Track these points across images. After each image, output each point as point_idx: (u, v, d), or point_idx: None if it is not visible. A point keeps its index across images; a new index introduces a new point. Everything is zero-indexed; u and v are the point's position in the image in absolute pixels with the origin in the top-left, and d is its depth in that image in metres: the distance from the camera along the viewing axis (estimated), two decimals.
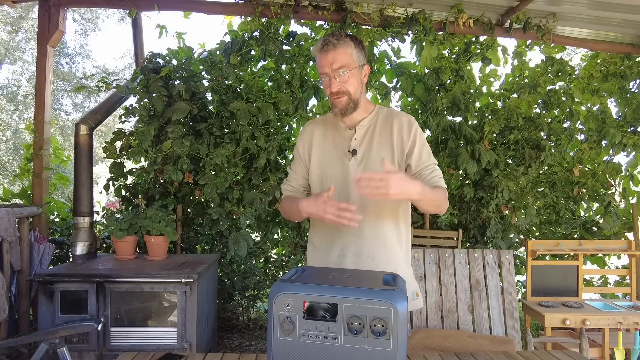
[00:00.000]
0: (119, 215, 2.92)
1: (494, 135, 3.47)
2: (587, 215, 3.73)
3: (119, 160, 3.17)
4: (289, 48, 3.24)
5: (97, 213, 3.13)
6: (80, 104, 11.97)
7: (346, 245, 1.44)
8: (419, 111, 3.45)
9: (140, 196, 3.25)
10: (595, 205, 3.69)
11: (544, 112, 3.51)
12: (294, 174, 1.59)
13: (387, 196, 1.16)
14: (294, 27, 4.24)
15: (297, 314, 0.95)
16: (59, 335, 1.78)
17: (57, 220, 3.49)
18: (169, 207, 3.10)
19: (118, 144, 3.19)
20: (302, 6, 3.18)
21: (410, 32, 3.19)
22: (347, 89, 1.40)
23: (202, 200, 3.35)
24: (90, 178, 2.92)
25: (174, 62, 3.29)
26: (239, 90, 3.19)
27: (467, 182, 3.47)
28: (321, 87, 3.31)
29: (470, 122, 3.44)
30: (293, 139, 3.47)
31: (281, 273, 3.71)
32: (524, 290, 3.59)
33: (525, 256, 3.07)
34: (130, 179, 3.29)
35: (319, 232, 1.52)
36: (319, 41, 1.41)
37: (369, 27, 3.20)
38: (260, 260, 3.81)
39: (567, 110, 3.46)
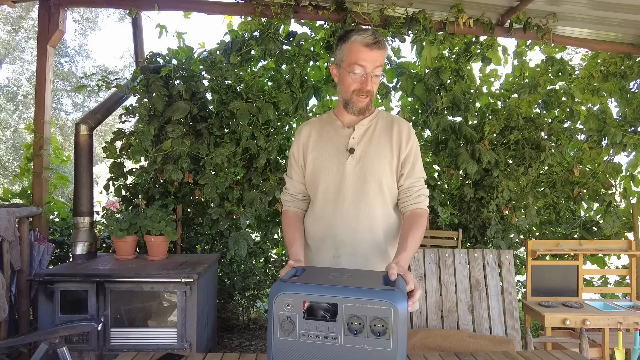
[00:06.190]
0: (119, 215, 2.92)
1: (494, 135, 3.47)
2: (587, 215, 3.73)
3: (119, 160, 3.17)
4: (289, 48, 3.24)
5: (97, 213, 3.12)
6: (80, 104, 11.97)
7: (341, 246, 1.42)
8: (419, 111, 3.45)
9: (140, 196, 3.25)
10: (596, 205, 3.69)
11: (544, 112, 3.51)
12: (290, 180, 1.57)
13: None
14: (294, 27, 4.23)
15: (297, 314, 0.95)
16: (59, 335, 1.78)
17: (57, 220, 3.49)
18: (169, 207, 3.10)
19: (118, 143, 3.19)
20: (302, 6, 3.17)
21: (410, 32, 3.19)
22: (373, 90, 1.41)
23: (202, 200, 3.35)
24: (90, 178, 2.92)
25: (174, 61, 3.29)
26: (239, 90, 3.19)
27: (467, 182, 3.47)
28: (322, 86, 3.31)
29: (470, 122, 3.44)
30: (293, 138, 3.47)
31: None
32: (524, 290, 3.59)
33: (525, 256, 3.07)
34: (130, 179, 3.29)
35: (312, 233, 1.50)
36: (367, 34, 1.35)
37: (369, 27, 3.20)
38: (260, 260, 3.81)
39: (568, 110, 3.45)
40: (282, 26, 3.22)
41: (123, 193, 3.26)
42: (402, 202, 1.46)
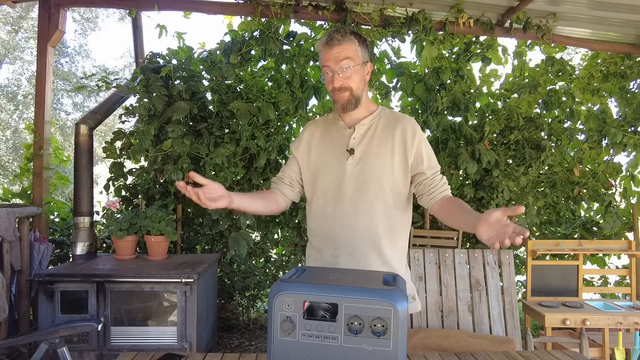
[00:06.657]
0: (119, 215, 2.92)
1: (494, 135, 3.47)
2: (587, 215, 3.73)
3: (119, 160, 3.17)
4: (289, 48, 3.24)
5: (97, 213, 3.13)
6: (80, 104, 11.97)
7: (340, 245, 1.43)
8: (419, 111, 3.45)
9: (140, 196, 3.25)
10: (596, 205, 3.69)
11: (545, 112, 3.51)
12: (285, 166, 1.61)
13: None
14: (294, 27, 4.23)
15: (297, 314, 0.95)
16: (59, 335, 1.78)
17: (57, 220, 3.49)
18: (169, 207, 3.10)
19: (118, 143, 3.19)
20: (302, 6, 3.17)
21: (410, 31, 3.19)
22: (349, 85, 1.40)
23: None
24: (90, 178, 2.92)
25: (174, 62, 3.29)
26: (239, 90, 3.19)
27: (467, 182, 3.47)
28: (322, 86, 3.31)
29: (470, 122, 3.44)
30: (293, 139, 3.47)
31: (281, 273, 3.71)
32: (524, 290, 3.59)
33: (525, 256, 3.07)
34: (130, 179, 3.29)
35: (315, 231, 1.51)
36: (324, 36, 1.42)
37: (369, 27, 3.20)
38: (260, 260, 3.81)
39: (568, 110, 3.45)
40: (282, 26, 3.22)
41: (123, 193, 3.26)
42: (429, 193, 1.43)
